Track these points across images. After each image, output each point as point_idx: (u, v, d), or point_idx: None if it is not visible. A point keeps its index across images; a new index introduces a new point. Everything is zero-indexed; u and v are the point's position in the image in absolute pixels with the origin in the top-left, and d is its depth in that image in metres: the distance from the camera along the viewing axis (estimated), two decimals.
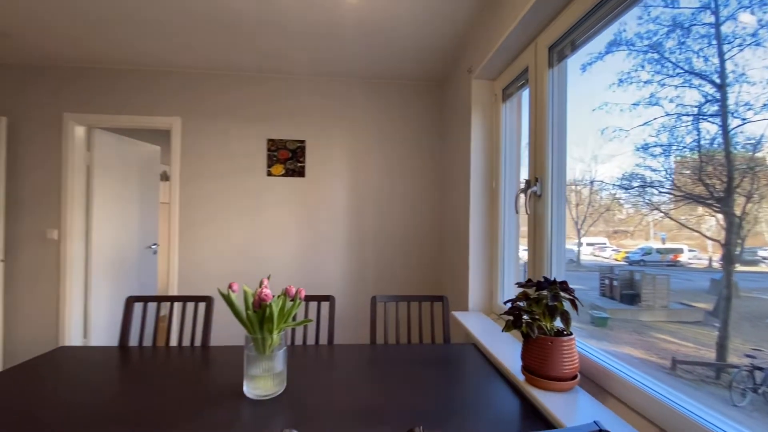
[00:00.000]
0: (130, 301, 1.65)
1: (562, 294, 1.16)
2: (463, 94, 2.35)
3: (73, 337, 2.83)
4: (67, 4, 2.06)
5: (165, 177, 4.60)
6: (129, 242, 3.35)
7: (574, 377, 1.13)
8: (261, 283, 1.14)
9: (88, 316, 2.96)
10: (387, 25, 2.19)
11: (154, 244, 3.68)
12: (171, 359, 1.44)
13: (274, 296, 1.13)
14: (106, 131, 3.09)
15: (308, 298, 1.75)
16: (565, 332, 1.15)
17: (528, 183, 1.61)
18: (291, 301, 1.19)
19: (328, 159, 2.96)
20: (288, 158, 2.92)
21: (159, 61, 2.74)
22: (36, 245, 2.79)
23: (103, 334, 3.08)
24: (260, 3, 2.00)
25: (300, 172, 2.93)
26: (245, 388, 1.14)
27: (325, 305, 2.72)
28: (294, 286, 1.65)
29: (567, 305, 1.16)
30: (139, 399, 1.12)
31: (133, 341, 1.89)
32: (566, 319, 1.13)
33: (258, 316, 1.11)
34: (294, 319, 1.23)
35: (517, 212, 1.76)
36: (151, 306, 3.20)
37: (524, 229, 1.89)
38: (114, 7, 2.07)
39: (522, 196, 1.65)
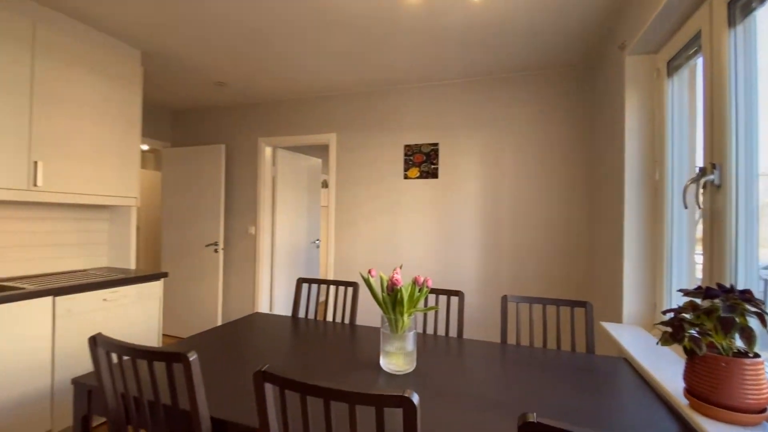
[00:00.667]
0: (300, 282, 2.07)
1: (746, 306, 0.93)
2: (615, 75, 2.06)
3: (262, 307, 3.66)
4: (263, 65, 2.72)
5: (324, 185, 5.46)
6: (299, 238, 4.12)
7: (763, 410, 0.89)
8: (393, 271, 1.30)
9: (273, 292, 3.78)
10: (519, 17, 2.12)
11: (317, 240, 4.41)
12: (327, 331, 1.75)
13: (404, 283, 1.27)
14: (284, 149, 3.90)
15: (438, 292, 1.85)
16: (748, 353, 0.92)
17: (702, 171, 1.32)
18: (419, 290, 1.31)
19: (461, 159, 3.01)
20: (422, 161, 3.10)
21: (325, 86, 3.32)
22: (242, 238, 3.73)
23: (282, 306, 3.88)
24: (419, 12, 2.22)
25: (433, 174, 3.07)
26: (381, 362, 1.31)
27: (454, 300, 2.78)
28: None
29: (753, 321, 0.93)
30: (306, 357, 1.42)
31: (301, 313, 2.34)
32: (749, 337, 0.90)
33: (391, 298, 1.26)
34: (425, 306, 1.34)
35: (685, 207, 1.46)
36: (314, 288, 3.86)
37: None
38: (303, 41, 2.63)
39: (692, 186, 1.36)
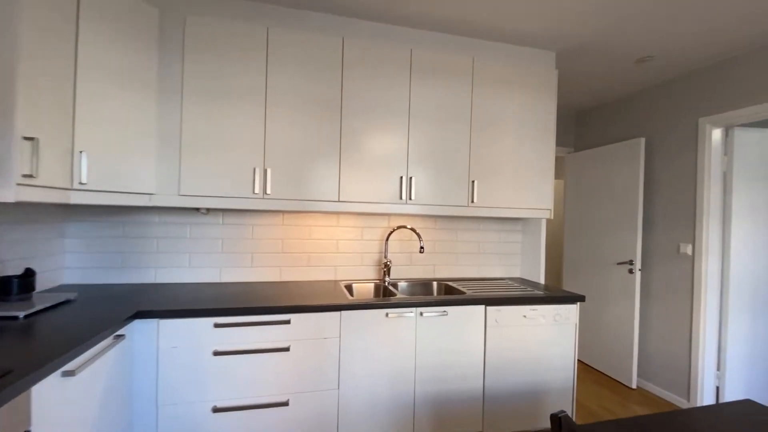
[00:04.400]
0: None
1: None
2: None
3: (707, 358, 2.54)
4: (707, 14, 1.79)
5: None
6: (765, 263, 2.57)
7: None
8: None
9: (722, 341, 2.55)
10: None
11: None
12: None
13: None
14: (746, 128, 2.55)
15: None
16: None
17: None
18: None
19: None
20: None
21: None
22: (669, 258, 2.79)
23: (739, 365, 2.53)
24: None
25: None
26: None
27: None
28: None
29: None
30: None
31: None
32: None
33: None
34: None
35: None
36: None
37: None
38: None
39: None
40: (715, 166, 2.55)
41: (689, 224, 2.65)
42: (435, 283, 2.41)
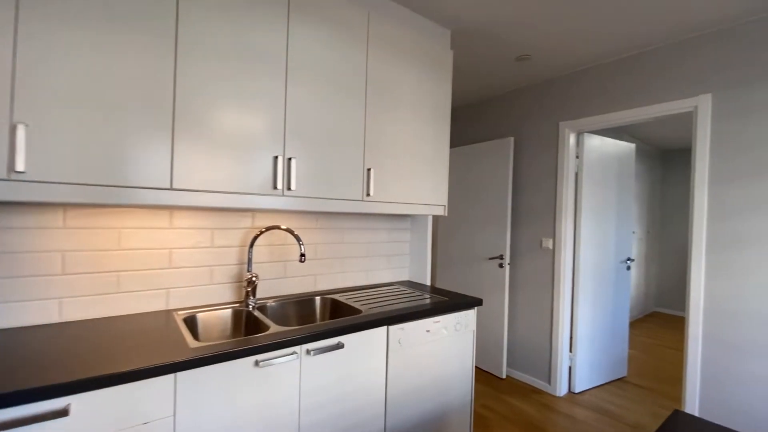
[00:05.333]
0: None
1: None
2: None
3: (561, 342, 2.78)
4: (583, 21, 1.84)
5: None
6: (606, 256, 3.00)
7: None
8: None
9: (575, 326, 2.84)
10: None
11: (629, 259, 3.16)
12: None
13: None
14: (591, 135, 2.88)
15: None
16: None
17: None
18: None
19: None
20: None
21: (676, 32, 2.11)
22: (533, 253, 2.97)
23: (586, 345, 2.87)
24: None
25: None
26: None
27: None
28: None
29: None
30: None
31: None
32: None
33: None
34: None
35: None
36: None
37: None
38: None
39: None
40: (570, 168, 2.80)
41: (550, 220, 2.85)
42: (318, 299, 1.87)
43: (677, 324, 4.87)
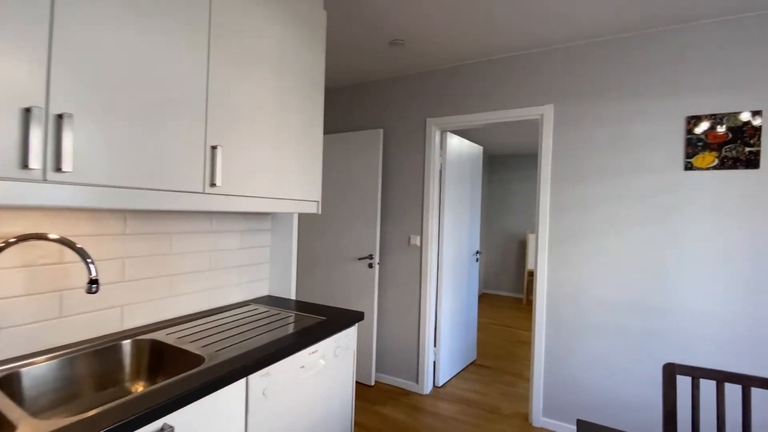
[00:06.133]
0: (671, 372, 1.07)
1: None
2: None
3: (428, 343, 2.77)
4: (458, 12, 1.78)
5: None
6: (461, 250, 3.17)
7: None
8: None
9: (438, 321, 2.88)
10: None
11: (478, 252, 3.43)
12: None
13: None
14: (452, 134, 2.95)
15: None
16: None
17: None
18: None
19: None
20: (725, 142, 1.93)
21: (532, 42, 2.29)
22: (402, 251, 2.87)
23: (447, 343, 2.96)
24: None
25: (749, 162, 1.88)
26: None
27: None
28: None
29: None
30: None
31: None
32: None
33: None
34: None
35: None
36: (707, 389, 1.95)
37: None
38: None
39: None
40: (436, 165, 2.80)
41: (418, 217, 2.80)
42: (128, 345, 1.21)
43: (502, 302, 5.78)
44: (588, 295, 2.24)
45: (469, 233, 3.27)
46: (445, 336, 2.92)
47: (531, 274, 5.84)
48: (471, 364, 3.35)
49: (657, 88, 2.08)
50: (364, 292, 2.87)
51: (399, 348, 2.87)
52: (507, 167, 6.25)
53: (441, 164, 2.87)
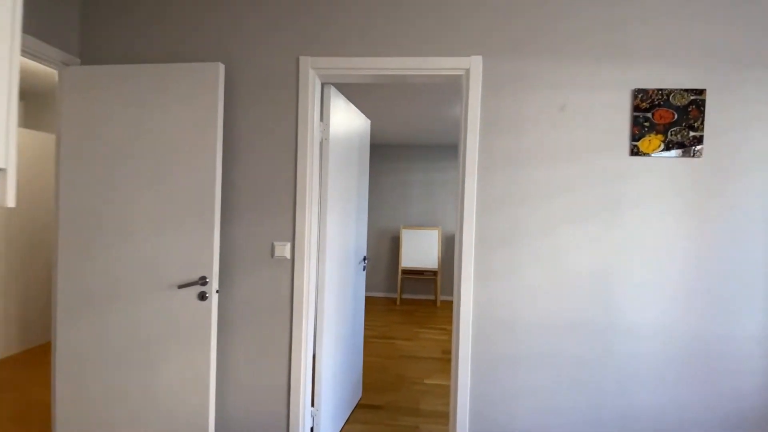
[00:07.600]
0: None
1: None
2: None
3: (305, 401, 1.82)
4: None
5: None
6: (346, 258, 2.30)
7: None
8: None
9: (317, 368, 1.94)
10: None
11: (365, 259, 2.63)
12: None
13: None
14: (338, 93, 2.04)
15: None
16: None
17: None
18: None
19: (755, 125, 1.61)
20: (671, 122, 1.62)
21: None
22: (258, 266, 1.81)
23: (329, 398, 2.06)
24: None
25: (692, 147, 1.61)
26: None
27: None
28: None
29: None
30: None
31: None
32: None
33: None
34: None
35: None
36: None
37: None
38: None
39: None
40: (315, 134, 1.84)
41: (288, 213, 1.79)
42: None
43: (376, 305, 5.20)
44: (525, 315, 1.69)
45: (356, 236, 2.43)
46: (327, 387, 2.01)
47: (405, 272, 5.46)
48: (357, 406, 2.54)
49: (600, 50, 1.65)
50: (189, 341, 1.68)
51: (255, 418, 1.82)
52: (383, 156, 5.68)
53: (323, 135, 1.93)
